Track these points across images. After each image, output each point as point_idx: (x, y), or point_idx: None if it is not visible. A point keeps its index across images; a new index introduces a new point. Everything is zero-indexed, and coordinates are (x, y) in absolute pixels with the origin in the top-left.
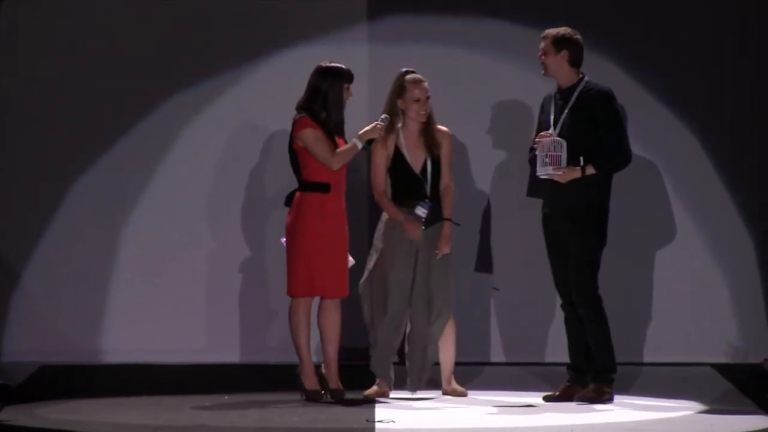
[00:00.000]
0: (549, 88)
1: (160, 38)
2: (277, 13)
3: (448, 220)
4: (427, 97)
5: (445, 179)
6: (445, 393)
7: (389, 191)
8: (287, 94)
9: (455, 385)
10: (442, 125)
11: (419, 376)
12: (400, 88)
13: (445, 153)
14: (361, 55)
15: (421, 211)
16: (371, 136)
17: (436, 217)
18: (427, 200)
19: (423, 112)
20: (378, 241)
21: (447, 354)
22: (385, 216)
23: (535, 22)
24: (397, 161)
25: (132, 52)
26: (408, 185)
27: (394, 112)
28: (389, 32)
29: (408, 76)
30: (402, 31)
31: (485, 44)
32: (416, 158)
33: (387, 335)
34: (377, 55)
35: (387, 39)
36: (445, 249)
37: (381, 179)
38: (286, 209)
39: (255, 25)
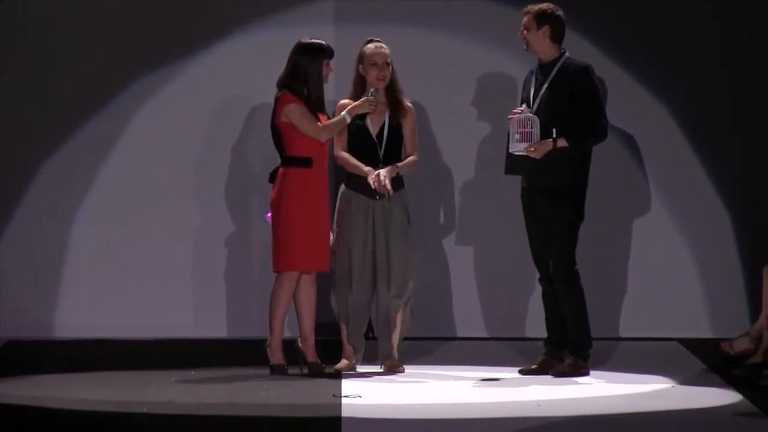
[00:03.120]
0: (522, 66)
1: (130, 18)
2: None
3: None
4: (387, 63)
5: (409, 150)
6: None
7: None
8: (266, 69)
9: (393, 360)
10: (411, 100)
11: (388, 350)
12: (361, 55)
13: (408, 127)
14: (326, 35)
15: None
16: (360, 111)
17: (394, 186)
18: (381, 165)
19: (381, 78)
20: (336, 217)
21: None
22: (340, 192)
23: (511, 0)
24: (356, 125)
25: (104, 30)
26: (362, 148)
27: (358, 79)
28: (356, 11)
29: (369, 44)
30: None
31: (459, 23)
32: (375, 123)
33: (357, 308)
34: (342, 33)
35: (353, 18)
36: (384, 177)
37: (342, 142)
38: (271, 185)
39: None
